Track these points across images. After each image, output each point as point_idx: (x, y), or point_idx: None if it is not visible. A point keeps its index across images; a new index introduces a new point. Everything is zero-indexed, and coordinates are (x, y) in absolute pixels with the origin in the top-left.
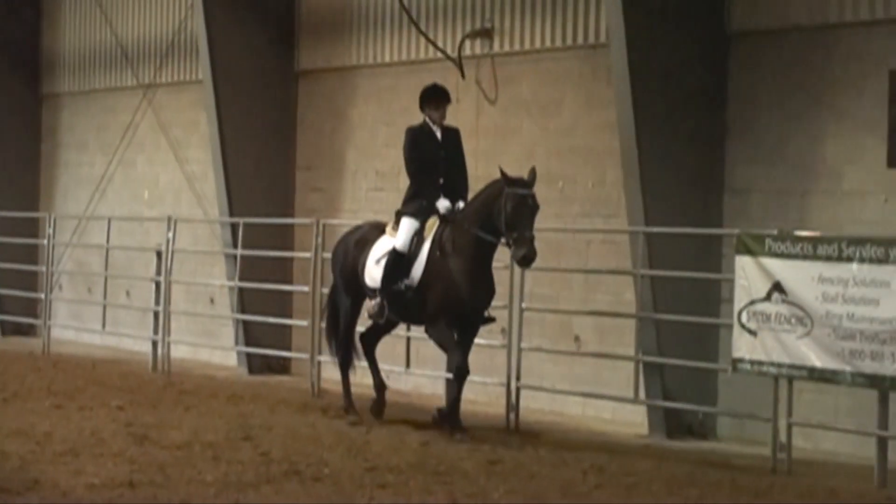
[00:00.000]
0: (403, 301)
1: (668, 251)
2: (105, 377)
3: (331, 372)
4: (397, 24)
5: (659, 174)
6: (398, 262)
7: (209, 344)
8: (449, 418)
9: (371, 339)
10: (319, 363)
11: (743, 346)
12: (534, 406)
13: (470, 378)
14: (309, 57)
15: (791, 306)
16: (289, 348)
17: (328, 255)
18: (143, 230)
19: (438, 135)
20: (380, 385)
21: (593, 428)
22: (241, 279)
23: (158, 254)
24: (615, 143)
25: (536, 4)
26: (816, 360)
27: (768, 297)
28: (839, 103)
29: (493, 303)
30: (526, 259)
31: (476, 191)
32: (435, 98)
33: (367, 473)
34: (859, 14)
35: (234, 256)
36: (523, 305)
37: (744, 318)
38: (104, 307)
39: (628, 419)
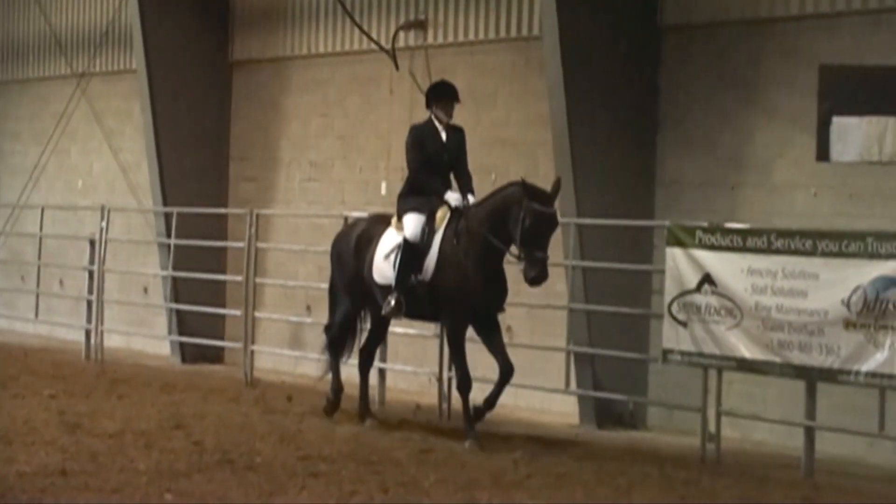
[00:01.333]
0: (416, 297)
1: (599, 243)
2: (38, 366)
3: (264, 361)
4: (331, 16)
5: (591, 166)
6: (411, 254)
7: (142, 333)
8: (467, 426)
9: (369, 357)
10: (252, 353)
11: (673, 337)
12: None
13: (401, 368)
14: (243, 47)
15: (721, 298)
16: (222, 338)
17: (262, 244)
18: (76, 219)
19: (443, 135)
20: (338, 389)
21: (525, 418)
22: (174, 268)
23: (92, 243)
24: (548, 136)
25: None
26: (745, 351)
27: (698, 289)
28: (769, 98)
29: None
30: (536, 281)
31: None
32: (444, 97)
33: (299, 462)
34: (789, 9)
35: (168, 246)
36: None
37: (674, 309)
38: (37, 296)
39: (559, 409)
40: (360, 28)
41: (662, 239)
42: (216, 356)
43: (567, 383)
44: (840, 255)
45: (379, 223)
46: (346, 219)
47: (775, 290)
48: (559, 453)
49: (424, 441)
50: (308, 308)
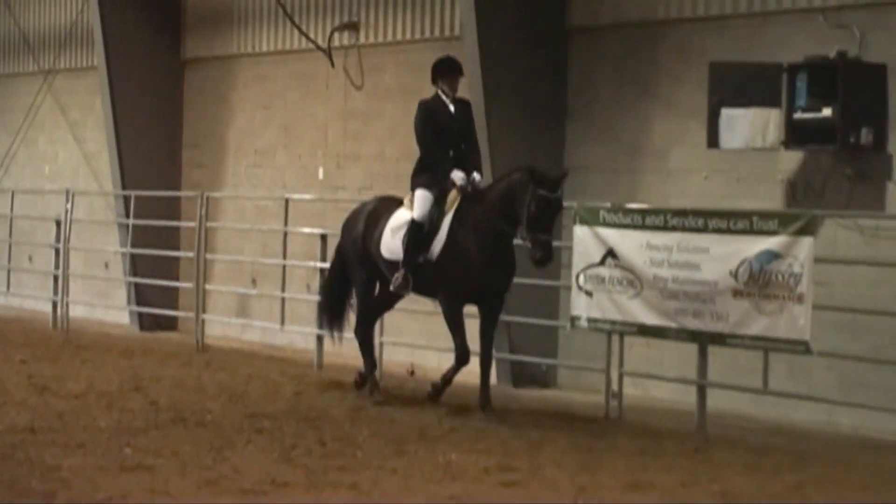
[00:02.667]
0: (422, 274)
1: None
2: (9, 334)
3: (213, 329)
4: (273, 18)
5: (506, 152)
6: (418, 234)
7: (104, 304)
8: (436, 391)
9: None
10: (203, 321)
11: (580, 306)
12: (395, 359)
13: (300, 329)
14: (194, 46)
15: (623, 270)
16: (176, 308)
17: (211, 224)
18: (44, 202)
19: (451, 108)
20: (371, 366)
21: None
22: (132, 246)
23: (58, 223)
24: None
25: (398, 0)
26: (645, 317)
27: (603, 262)
28: (665, 91)
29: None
30: (542, 262)
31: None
32: (448, 71)
33: (245, 419)
34: (683, 12)
35: (127, 226)
36: None
37: (581, 280)
38: (8, 271)
39: (478, 370)
40: (300, 29)
41: (571, 218)
42: (170, 324)
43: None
44: (728, 231)
45: (390, 203)
46: (286, 200)
47: (671, 263)
48: (478, 410)
49: (358, 400)
50: (253, 281)
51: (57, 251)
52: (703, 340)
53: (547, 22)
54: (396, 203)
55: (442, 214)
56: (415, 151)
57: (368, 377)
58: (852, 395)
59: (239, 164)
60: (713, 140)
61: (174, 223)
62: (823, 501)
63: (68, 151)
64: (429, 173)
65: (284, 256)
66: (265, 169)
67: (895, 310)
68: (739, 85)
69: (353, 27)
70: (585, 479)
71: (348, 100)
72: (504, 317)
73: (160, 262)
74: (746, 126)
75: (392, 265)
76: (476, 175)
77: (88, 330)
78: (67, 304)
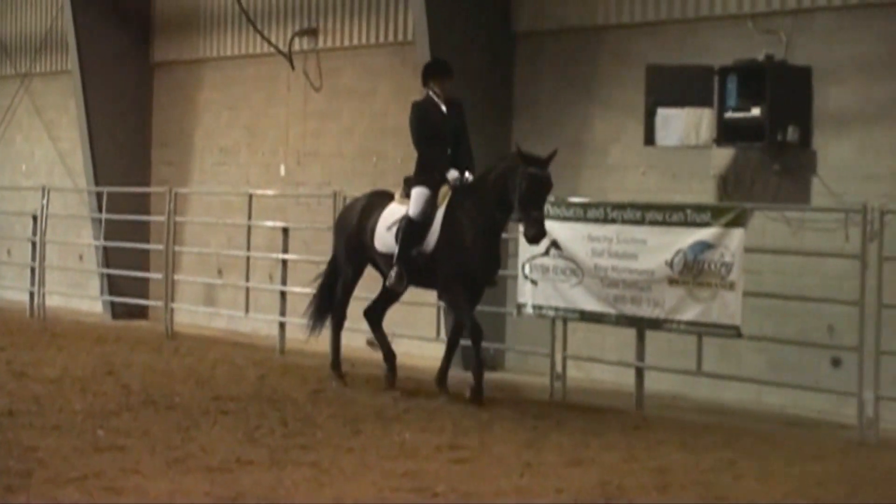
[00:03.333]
0: (417, 267)
1: None
2: None
3: (182, 317)
4: (238, 24)
5: None
6: (413, 230)
7: (78, 294)
8: (474, 388)
9: (376, 314)
10: (172, 310)
11: (526, 294)
12: (353, 345)
13: (264, 317)
14: (163, 51)
15: (566, 260)
16: (146, 297)
17: (179, 218)
18: (21, 198)
19: (443, 107)
20: (391, 356)
21: (403, 363)
22: (105, 239)
23: (34, 218)
24: None
25: (355, 7)
26: (587, 304)
27: (547, 253)
28: (605, 92)
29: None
30: (535, 238)
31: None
32: (438, 73)
33: (211, 402)
34: (621, 17)
35: (100, 220)
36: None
37: (527, 269)
38: None
39: (432, 355)
40: (262, 34)
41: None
42: (141, 313)
43: (438, 332)
44: (664, 224)
45: (381, 197)
46: (250, 196)
47: (611, 253)
48: (432, 392)
49: (318, 383)
50: (219, 272)
51: (34, 244)
52: (641, 326)
53: (494, 27)
54: (388, 197)
55: (434, 208)
56: (370, 149)
57: (332, 359)
58: (780, 375)
59: (205, 161)
60: (650, 138)
61: (144, 217)
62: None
63: (44, 150)
64: (426, 172)
65: (248, 248)
66: (230, 166)
67: (819, 296)
68: (674, 86)
69: (312, 33)
70: (531, 455)
71: (308, 101)
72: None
73: (131, 254)
74: (681, 125)
75: (386, 258)
76: (468, 175)
77: (64, 318)
78: (44, 295)
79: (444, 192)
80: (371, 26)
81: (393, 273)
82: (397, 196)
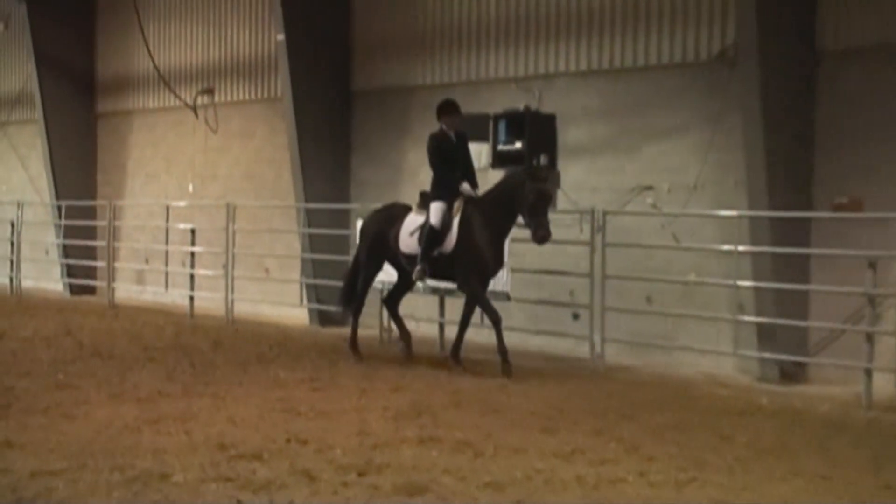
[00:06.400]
0: (437, 265)
1: (319, 218)
2: None
3: (120, 293)
4: (157, 85)
5: (314, 173)
6: (434, 236)
7: (45, 278)
8: (503, 363)
9: (393, 300)
10: (113, 288)
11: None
12: (245, 311)
13: (179, 292)
14: (104, 104)
15: None
16: (95, 279)
17: (117, 223)
18: (2, 210)
19: (453, 138)
20: (406, 334)
21: (278, 322)
22: (64, 238)
23: (12, 224)
24: (287, 156)
25: (240, 73)
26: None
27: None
28: (417, 131)
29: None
30: (543, 240)
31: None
32: (448, 111)
33: (141, 352)
34: (426, 80)
35: (60, 225)
36: (235, 251)
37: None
38: None
39: (298, 316)
40: (175, 93)
41: (355, 214)
42: (91, 291)
43: (301, 300)
44: None
45: (401, 208)
46: (167, 206)
47: None
48: (296, 341)
49: (217, 336)
50: (146, 260)
51: (12, 243)
52: (442, 294)
53: (339, 87)
54: (406, 208)
55: (451, 217)
56: (252, 173)
57: (351, 338)
58: (538, 325)
59: (135, 182)
60: None
61: (92, 223)
62: (520, 393)
63: (18, 176)
64: (442, 188)
65: (167, 243)
66: (153, 185)
67: (563, 270)
68: (464, 128)
69: (210, 91)
70: (366, 384)
71: (208, 139)
72: (313, 281)
73: (83, 249)
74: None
75: (410, 258)
76: (476, 190)
77: (34, 296)
78: (20, 279)
79: (459, 204)
80: (251, 86)
81: (417, 269)
82: (414, 207)
